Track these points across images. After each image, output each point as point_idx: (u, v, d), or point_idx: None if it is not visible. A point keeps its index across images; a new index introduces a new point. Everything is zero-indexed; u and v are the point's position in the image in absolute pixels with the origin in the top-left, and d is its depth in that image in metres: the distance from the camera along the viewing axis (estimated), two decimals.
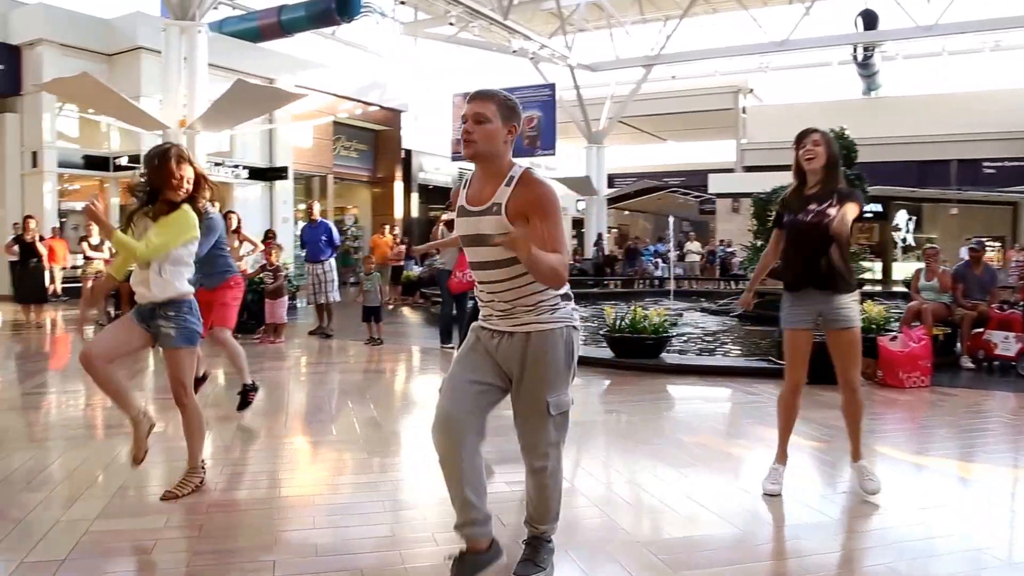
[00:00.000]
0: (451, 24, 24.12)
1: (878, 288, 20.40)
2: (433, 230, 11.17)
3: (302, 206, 21.40)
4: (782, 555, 3.54)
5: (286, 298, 10.92)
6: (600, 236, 27.77)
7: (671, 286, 19.60)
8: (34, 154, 18.26)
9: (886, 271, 24.92)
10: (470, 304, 10.01)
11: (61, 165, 18.59)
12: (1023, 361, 8.28)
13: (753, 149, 30.21)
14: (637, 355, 8.58)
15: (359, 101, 24.52)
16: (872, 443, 5.37)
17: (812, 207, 4.15)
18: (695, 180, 33.00)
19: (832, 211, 4.06)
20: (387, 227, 20.21)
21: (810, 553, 3.48)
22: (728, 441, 5.61)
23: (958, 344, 8.95)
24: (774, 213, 4.47)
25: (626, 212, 40.63)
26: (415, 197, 28.70)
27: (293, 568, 3.21)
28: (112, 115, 14.82)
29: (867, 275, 19.35)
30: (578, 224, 33.79)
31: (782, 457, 4.37)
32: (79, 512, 3.83)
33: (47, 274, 16.01)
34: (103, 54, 19.08)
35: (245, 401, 6.11)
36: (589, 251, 27.73)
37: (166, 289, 3.94)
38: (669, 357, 8.81)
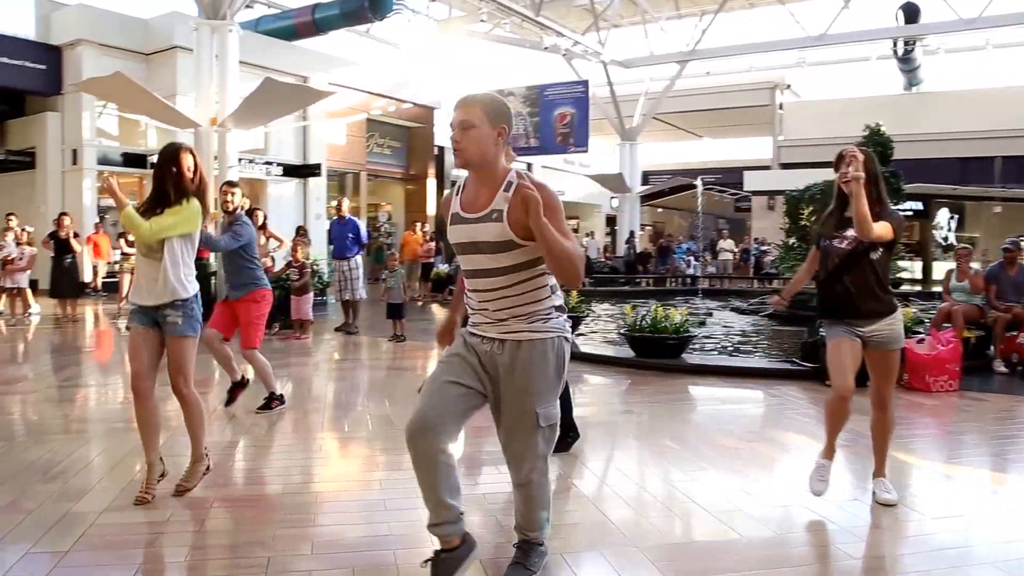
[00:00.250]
0: (482, 21, 24.13)
1: (917, 288, 20.00)
2: None
3: (335, 203, 21.60)
4: (817, 560, 3.50)
5: (311, 294, 11.03)
6: (632, 234, 27.62)
7: (700, 284, 19.43)
8: (74, 152, 18.69)
9: (926, 271, 24.41)
10: None
11: (100, 162, 18.97)
12: None
13: (790, 146, 29.82)
14: (658, 355, 8.52)
15: (392, 98, 24.63)
16: (896, 447, 5.28)
17: (849, 232, 3.97)
18: (731, 177, 32.65)
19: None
20: (417, 224, 20.30)
21: (845, 558, 3.44)
22: (754, 444, 5.50)
23: (991, 347, 8.73)
24: (806, 212, 4.28)
25: (659, 209, 40.39)
26: (448, 194, 28.75)
27: (285, 565, 3.24)
28: (145, 113, 15.08)
29: (904, 275, 19.00)
30: (611, 221, 33.67)
31: (829, 452, 4.18)
32: (88, 504, 3.91)
33: (90, 269, 16.39)
34: (141, 53, 19.44)
35: (268, 406, 6.25)
36: (621, 249, 27.59)
37: (175, 292, 3.99)
38: (691, 357, 8.74)
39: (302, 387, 7.62)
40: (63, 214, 12.63)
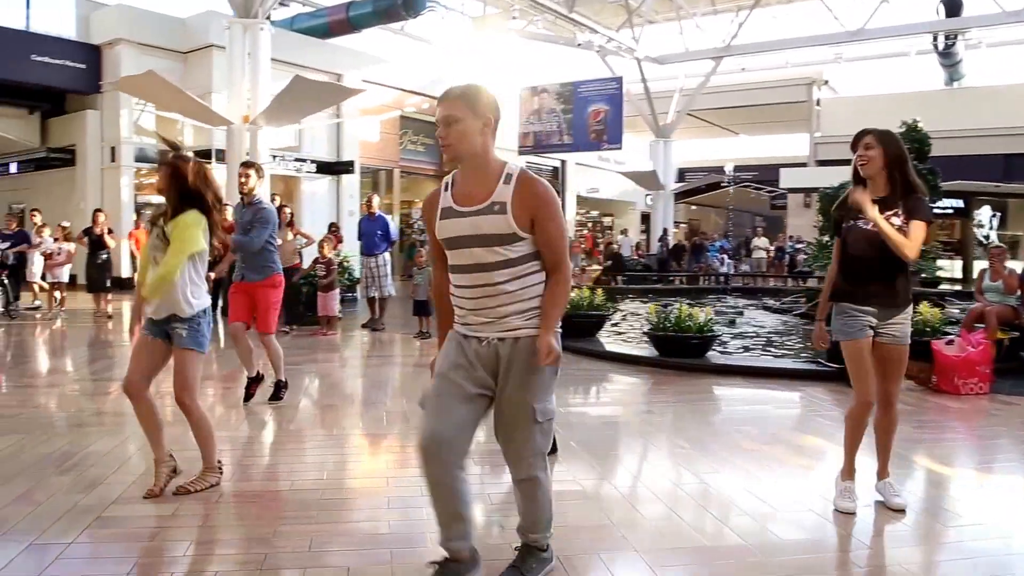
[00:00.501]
0: (514, 18, 24.09)
1: (956, 288, 19.56)
2: None
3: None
4: (854, 564, 3.44)
5: (337, 291, 11.09)
6: (665, 231, 27.42)
7: (729, 283, 19.22)
8: (112, 149, 19.03)
9: (966, 270, 23.84)
10: None
11: (138, 160, 19.30)
12: None
13: (827, 143, 29.31)
14: (682, 354, 8.43)
15: (426, 95, 24.69)
16: (923, 452, 5.20)
17: None
18: (768, 174, 32.23)
19: (896, 220, 3.77)
20: None
21: (883, 564, 3.40)
22: (772, 447, 5.41)
23: None
24: (831, 218, 4.13)
25: (693, 207, 40.05)
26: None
27: (281, 561, 3.26)
28: (178, 111, 15.32)
29: (943, 273, 18.58)
30: (646, 219, 33.45)
31: (850, 473, 4.07)
32: (97, 497, 3.96)
33: (130, 263, 16.67)
34: (178, 52, 19.70)
35: (277, 395, 6.34)
36: (654, 246, 27.39)
37: (179, 308, 4.01)
38: (715, 357, 8.64)
39: (324, 383, 7.68)
40: (98, 211, 12.86)
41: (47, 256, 12.95)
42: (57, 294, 13.10)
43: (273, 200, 13.14)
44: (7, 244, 12.69)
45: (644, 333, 9.34)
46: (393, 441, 5.37)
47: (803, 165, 29.73)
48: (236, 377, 7.51)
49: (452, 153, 2.81)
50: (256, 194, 6.25)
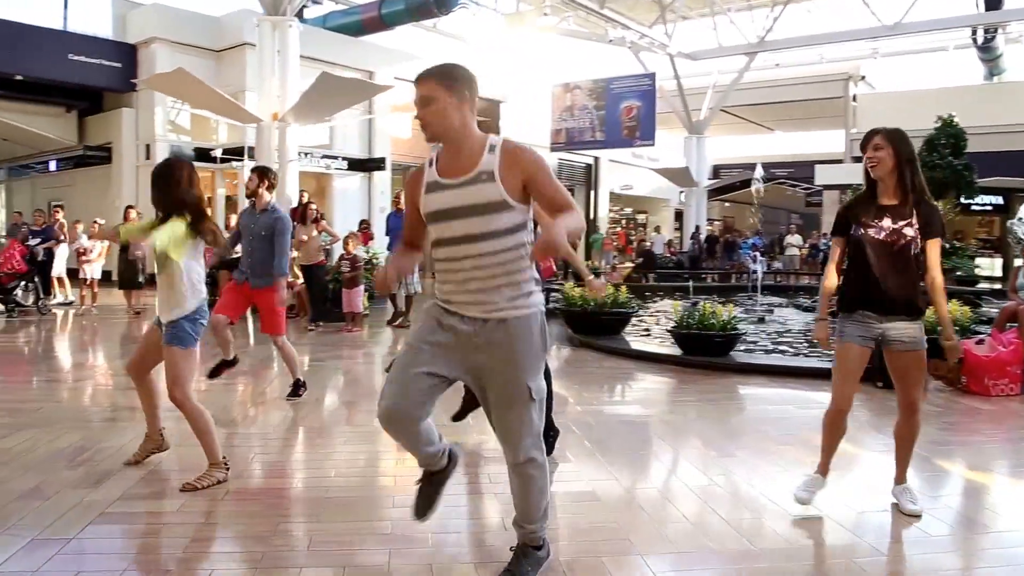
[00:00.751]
0: (545, 15, 24.01)
1: (997, 286, 19.11)
2: None
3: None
4: (890, 568, 3.38)
5: (362, 287, 11.10)
6: (698, 228, 27.16)
7: (756, 281, 18.91)
8: (147, 147, 19.30)
9: (1006, 268, 23.30)
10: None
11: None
12: None
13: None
14: (705, 352, 8.32)
15: None
16: (952, 456, 5.06)
17: (886, 223, 3.70)
18: (803, 171, 31.78)
19: (909, 231, 3.65)
20: None
21: (922, 570, 3.31)
22: (791, 447, 5.30)
23: None
24: (835, 217, 3.97)
25: (727, 204, 39.62)
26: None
27: (277, 560, 3.24)
28: (208, 108, 15.47)
29: (982, 271, 18.19)
30: (680, 216, 33.16)
31: (824, 469, 4.03)
32: (104, 492, 3.98)
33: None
34: (212, 50, 19.95)
35: (296, 393, 6.37)
36: (687, 244, 27.16)
37: (167, 311, 4.13)
38: (739, 355, 8.51)
39: (345, 380, 7.69)
40: (129, 207, 13.01)
41: (81, 253, 13.14)
42: (88, 291, 13.30)
43: (301, 196, 13.23)
44: (37, 240, 12.90)
45: (667, 331, 9.23)
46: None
47: (839, 162, 29.24)
48: (262, 373, 7.57)
49: (432, 132, 2.84)
50: (270, 200, 6.28)
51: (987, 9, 23.21)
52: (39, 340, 10.16)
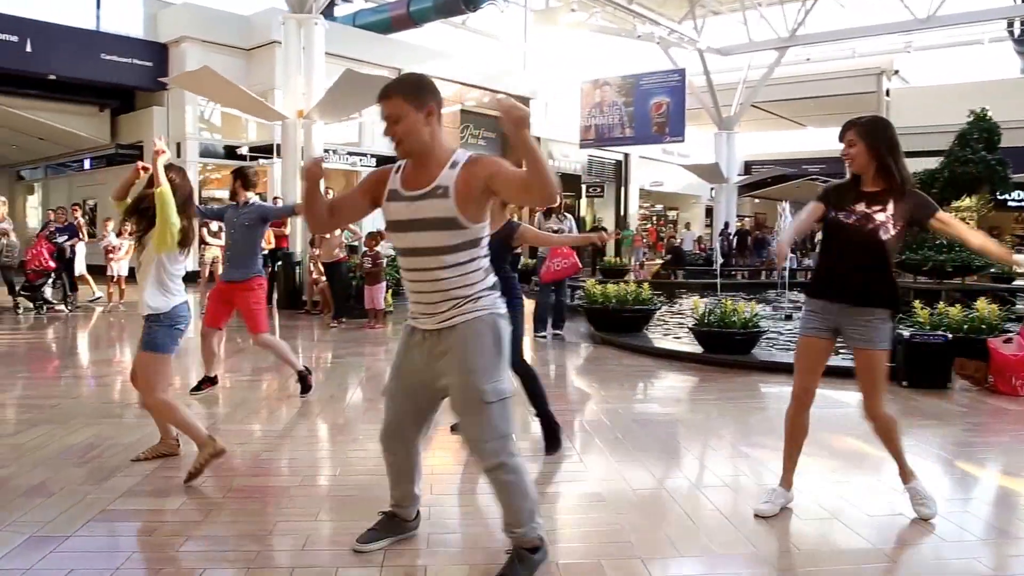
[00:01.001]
0: (573, 10, 23.89)
1: None
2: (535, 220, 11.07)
3: None
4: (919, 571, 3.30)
5: (384, 284, 11.10)
6: (727, 224, 26.88)
7: (785, 278, 18.65)
8: (178, 145, 19.48)
9: None
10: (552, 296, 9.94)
11: (202, 155, 19.79)
12: None
13: (898, 134, 28.34)
14: (726, 350, 8.19)
15: (487, 89, 24.67)
16: (976, 459, 4.91)
17: (859, 207, 3.59)
18: (835, 167, 31.29)
19: (880, 216, 3.54)
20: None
21: (955, 573, 3.23)
22: (819, 448, 5.14)
23: None
24: (820, 191, 3.85)
25: (757, 200, 39.17)
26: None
27: (271, 560, 3.21)
28: (235, 106, 15.57)
29: (1021, 269, 17.73)
30: (711, 213, 32.86)
31: (787, 482, 3.91)
32: (108, 489, 3.98)
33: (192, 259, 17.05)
34: (241, 49, 20.12)
35: (306, 386, 6.35)
36: (716, 240, 26.87)
37: (144, 307, 4.15)
38: (761, 353, 8.37)
39: (363, 377, 7.67)
40: None
41: (108, 250, 13.28)
42: (113, 287, 13.44)
43: (326, 193, 13.26)
44: (64, 237, 13.06)
45: (689, 328, 9.11)
46: None
47: None
48: (279, 369, 7.57)
49: (405, 149, 2.85)
50: (250, 198, 6.34)
51: None
52: (65, 336, 10.28)
